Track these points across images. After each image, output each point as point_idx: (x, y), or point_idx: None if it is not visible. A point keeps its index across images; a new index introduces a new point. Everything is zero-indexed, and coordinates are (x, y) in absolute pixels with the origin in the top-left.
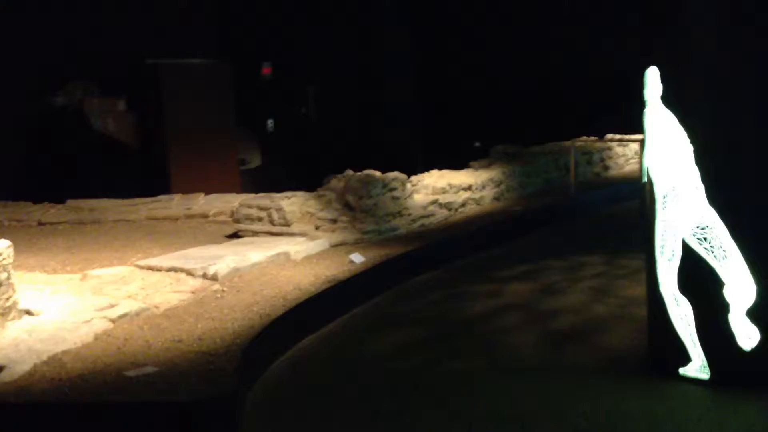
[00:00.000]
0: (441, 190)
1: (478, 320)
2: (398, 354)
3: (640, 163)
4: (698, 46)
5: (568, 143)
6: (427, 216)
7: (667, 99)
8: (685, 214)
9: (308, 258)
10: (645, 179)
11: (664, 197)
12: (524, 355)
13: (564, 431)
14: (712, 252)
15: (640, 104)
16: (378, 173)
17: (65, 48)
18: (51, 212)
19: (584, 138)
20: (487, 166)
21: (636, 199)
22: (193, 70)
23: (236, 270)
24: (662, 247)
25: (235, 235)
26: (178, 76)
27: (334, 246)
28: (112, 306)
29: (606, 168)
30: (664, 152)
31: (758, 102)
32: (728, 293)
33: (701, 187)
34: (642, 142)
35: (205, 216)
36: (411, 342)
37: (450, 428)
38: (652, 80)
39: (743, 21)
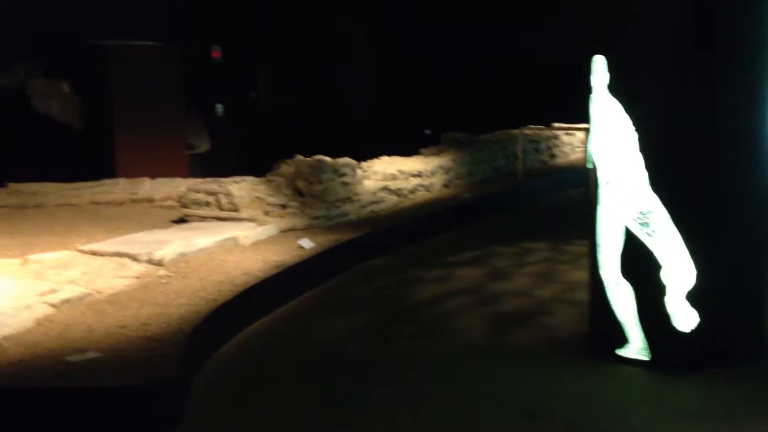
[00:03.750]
0: (391, 176)
1: (426, 304)
2: (347, 338)
3: (586, 150)
4: (645, 36)
5: (516, 131)
6: (377, 202)
7: (613, 87)
8: (627, 199)
9: (257, 243)
10: (590, 165)
11: (607, 183)
12: (471, 339)
13: (508, 412)
14: (653, 236)
15: (587, 92)
16: (328, 159)
17: (8, 28)
18: None
19: (532, 126)
20: (437, 153)
21: (581, 187)
22: (140, 53)
23: (183, 255)
24: (605, 231)
25: (181, 221)
26: (124, 58)
27: (284, 231)
28: (53, 291)
29: (553, 156)
30: (608, 139)
31: (700, 91)
32: (668, 277)
33: (644, 174)
34: (587, 131)
35: (151, 201)
36: (360, 326)
37: (397, 411)
38: (599, 68)
39: (689, 15)
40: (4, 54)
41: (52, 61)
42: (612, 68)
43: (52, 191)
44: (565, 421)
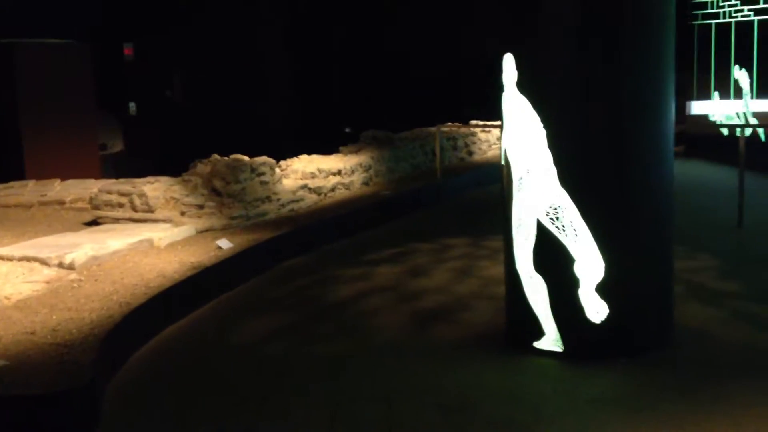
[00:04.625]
0: (310, 174)
1: (347, 303)
2: (266, 340)
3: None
4: (552, 34)
5: (433, 129)
6: (297, 201)
7: (522, 85)
8: (539, 195)
9: (173, 245)
10: (503, 162)
11: (519, 179)
12: (391, 336)
13: (427, 407)
14: (564, 231)
15: (498, 90)
16: (246, 158)
17: None
18: None
19: (450, 124)
20: (356, 151)
21: (498, 183)
22: (49, 50)
23: (95, 258)
24: (518, 227)
25: (94, 223)
26: (33, 56)
27: (201, 232)
28: None
29: (470, 153)
30: (519, 136)
31: (605, 88)
32: (579, 270)
33: (554, 169)
34: (502, 128)
35: (61, 203)
36: (279, 327)
37: (315, 412)
38: (508, 67)
39: (594, 14)
40: None
41: None
42: (521, 66)
43: None
44: (483, 414)
